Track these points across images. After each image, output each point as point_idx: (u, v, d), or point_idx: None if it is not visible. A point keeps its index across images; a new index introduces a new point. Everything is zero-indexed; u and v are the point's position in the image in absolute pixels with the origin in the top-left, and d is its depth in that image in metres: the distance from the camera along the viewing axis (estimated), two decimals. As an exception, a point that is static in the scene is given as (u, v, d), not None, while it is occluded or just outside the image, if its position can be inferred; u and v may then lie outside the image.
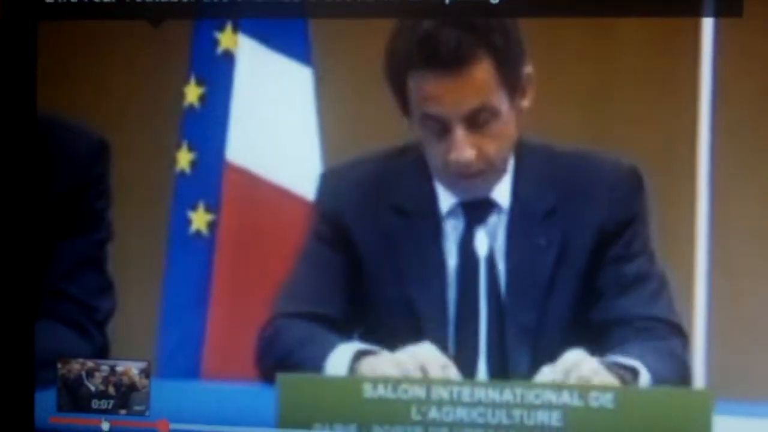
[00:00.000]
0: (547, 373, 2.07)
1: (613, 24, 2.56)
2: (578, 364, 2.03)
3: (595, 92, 2.99)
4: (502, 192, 2.20)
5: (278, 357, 2.22)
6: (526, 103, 2.19)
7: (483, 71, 2.12)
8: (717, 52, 2.82)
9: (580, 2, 2.26)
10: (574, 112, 2.77)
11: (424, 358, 2.09)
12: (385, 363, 2.11)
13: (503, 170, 2.20)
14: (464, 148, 2.13)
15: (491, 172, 2.18)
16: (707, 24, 2.74)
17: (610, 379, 2.03)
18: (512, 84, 2.15)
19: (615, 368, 2.06)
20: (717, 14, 2.34)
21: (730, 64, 2.87)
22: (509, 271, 2.20)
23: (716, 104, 2.89)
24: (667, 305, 2.22)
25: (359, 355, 2.14)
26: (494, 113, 2.14)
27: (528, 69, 2.18)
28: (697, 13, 2.28)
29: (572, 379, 2.01)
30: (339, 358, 2.15)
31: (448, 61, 2.11)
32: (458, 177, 2.17)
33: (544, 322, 2.19)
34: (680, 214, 2.88)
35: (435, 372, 2.07)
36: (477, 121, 2.13)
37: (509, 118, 2.15)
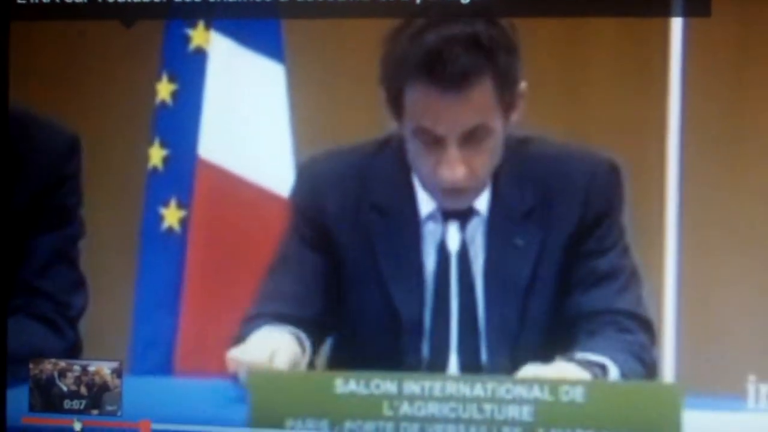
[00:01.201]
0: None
1: (584, 23, 2.59)
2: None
3: (567, 90, 3.02)
4: (483, 200, 2.21)
5: None
6: (515, 117, 2.18)
7: (484, 92, 2.11)
8: (686, 51, 2.86)
9: (550, 2, 2.28)
10: (547, 110, 2.79)
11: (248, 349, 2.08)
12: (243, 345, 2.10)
13: (488, 182, 2.20)
14: (456, 166, 2.12)
15: (477, 186, 2.18)
16: (676, 23, 2.78)
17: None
18: (508, 102, 2.15)
19: (585, 365, 2.08)
20: (686, 14, 2.36)
21: (699, 63, 2.91)
22: (487, 274, 2.21)
23: (686, 101, 2.93)
24: (635, 299, 2.24)
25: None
26: (489, 131, 2.13)
27: (522, 85, 2.17)
28: (666, 13, 2.31)
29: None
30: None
31: (453, 80, 2.08)
32: (444, 190, 2.16)
33: (524, 322, 2.20)
34: (651, 208, 2.91)
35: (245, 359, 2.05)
36: (472, 139, 2.12)
37: (500, 134, 2.16)
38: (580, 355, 2.10)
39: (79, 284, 2.37)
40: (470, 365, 2.17)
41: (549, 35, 2.87)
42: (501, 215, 2.22)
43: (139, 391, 2.10)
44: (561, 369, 2.05)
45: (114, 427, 2.06)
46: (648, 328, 2.23)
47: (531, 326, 2.20)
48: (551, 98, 2.91)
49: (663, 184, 2.94)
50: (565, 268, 2.22)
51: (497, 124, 2.15)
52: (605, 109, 2.95)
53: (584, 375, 2.04)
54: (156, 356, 3.03)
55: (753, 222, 3.06)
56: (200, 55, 3.10)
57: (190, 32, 3.06)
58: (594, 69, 3.01)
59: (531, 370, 2.04)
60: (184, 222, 3.09)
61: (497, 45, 2.12)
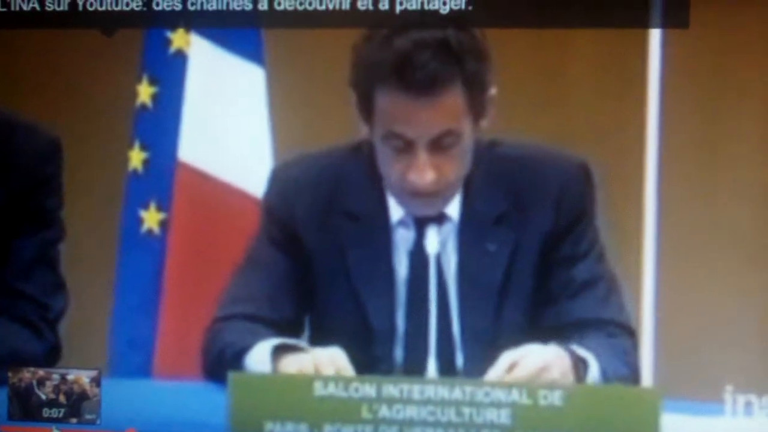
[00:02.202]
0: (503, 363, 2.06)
1: (565, 34, 2.62)
2: (547, 369, 2.05)
3: (548, 98, 3.06)
4: (454, 206, 2.22)
5: (212, 358, 2.22)
6: (485, 123, 2.19)
7: (454, 97, 2.11)
8: (664, 61, 2.90)
9: (531, 14, 2.30)
10: (528, 117, 2.83)
11: (321, 359, 2.06)
12: (293, 363, 2.10)
13: (458, 188, 2.21)
14: (426, 171, 2.12)
15: (447, 192, 2.19)
16: (655, 35, 2.82)
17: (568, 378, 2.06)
18: (478, 108, 2.15)
19: (569, 351, 2.09)
20: (664, 26, 2.39)
21: (677, 71, 2.95)
22: (460, 279, 2.21)
23: (664, 109, 2.97)
24: (617, 307, 2.25)
25: (278, 352, 2.13)
26: (458, 137, 2.13)
27: (492, 91, 2.18)
28: (645, 24, 2.33)
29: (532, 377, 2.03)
30: (258, 356, 2.14)
31: (423, 85, 2.08)
32: (413, 195, 2.17)
33: (498, 328, 2.20)
34: (629, 215, 2.95)
35: (327, 371, 2.07)
36: (441, 144, 2.12)
37: (470, 139, 2.16)
38: (567, 345, 2.12)
39: (59, 286, 2.37)
40: (448, 370, 2.18)
41: (531, 45, 2.91)
42: (472, 220, 2.22)
43: (119, 398, 2.10)
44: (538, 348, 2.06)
45: (94, 435, 2.06)
46: (632, 334, 2.26)
47: (507, 331, 2.21)
48: (533, 106, 2.95)
49: (641, 192, 2.97)
50: (541, 273, 2.23)
51: (467, 130, 2.15)
52: (585, 116, 2.99)
53: (564, 356, 2.06)
54: (136, 359, 3.03)
55: (732, 228, 3.10)
56: (180, 57, 3.11)
57: (171, 35, 3.07)
58: (575, 78, 3.05)
59: (510, 355, 2.05)
60: (163, 225, 3.10)
61: (467, 50, 2.13)
